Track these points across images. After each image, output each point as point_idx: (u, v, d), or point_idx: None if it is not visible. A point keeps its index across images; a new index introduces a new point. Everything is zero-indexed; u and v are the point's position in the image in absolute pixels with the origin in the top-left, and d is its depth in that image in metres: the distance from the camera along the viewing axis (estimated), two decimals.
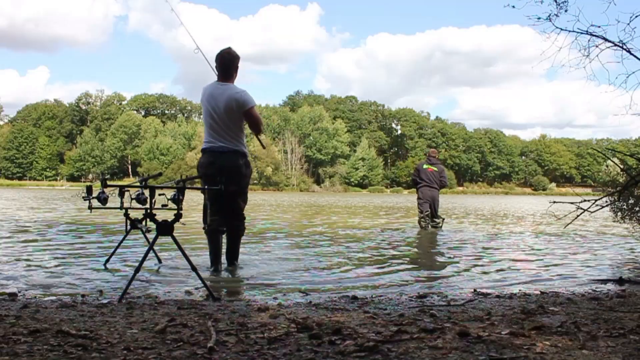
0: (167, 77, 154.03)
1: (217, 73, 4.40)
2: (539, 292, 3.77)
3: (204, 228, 4.34)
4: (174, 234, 3.33)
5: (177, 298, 3.33)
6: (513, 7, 4.49)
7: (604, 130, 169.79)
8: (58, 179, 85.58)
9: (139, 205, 3.55)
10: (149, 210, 3.44)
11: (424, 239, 8.04)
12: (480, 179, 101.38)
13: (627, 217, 6.69)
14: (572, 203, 4.82)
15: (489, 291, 3.79)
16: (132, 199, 3.59)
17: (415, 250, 6.78)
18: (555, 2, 4.41)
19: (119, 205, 3.80)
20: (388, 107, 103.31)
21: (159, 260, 4.77)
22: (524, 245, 7.30)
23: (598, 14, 4.44)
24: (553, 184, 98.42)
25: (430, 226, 9.57)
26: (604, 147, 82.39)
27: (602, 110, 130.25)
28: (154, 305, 2.98)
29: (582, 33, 4.36)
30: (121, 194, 3.69)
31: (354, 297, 3.39)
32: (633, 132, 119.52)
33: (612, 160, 6.44)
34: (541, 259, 5.81)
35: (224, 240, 4.49)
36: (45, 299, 3.22)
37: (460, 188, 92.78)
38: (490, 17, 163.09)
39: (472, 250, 6.49)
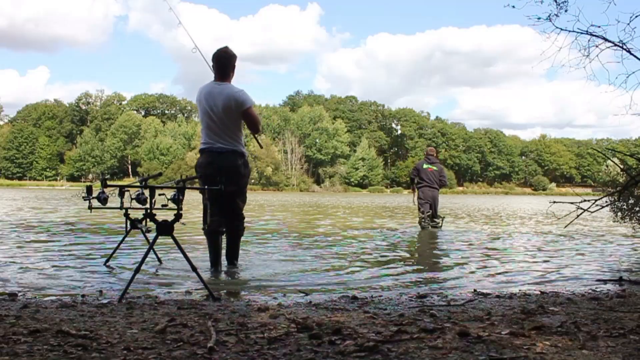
0: (167, 77, 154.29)
1: (213, 72, 4.40)
2: (539, 292, 3.77)
3: (203, 228, 4.34)
4: (174, 234, 3.34)
5: (177, 298, 3.33)
6: (513, 7, 4.49)
7: (604, 130, 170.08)
8: (58, 179, 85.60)
9: (139, 205, 3.54)
10: (149, 210, 3.44)
11: (425, 239, 8.03)
12: (480, 179, 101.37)
13: (627, 217, 6.69)
14: (572, 203, 4.82)
15: (489, 291, 3.79)
16: (132, 199, 3.59)
17: (416, 250, 6.78)
18: (555, 2, 4.42)
19: (119, 205, 3.80)
20: (388, 107, 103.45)
21: (159, 261, 4.77)
22: (524, 245, 7.30)
23: (598, 14, 4.45)
24: (553, 184, 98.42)
25: (430, 226, 9.57)
26: (604, 147, 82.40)
27: (602, 110, 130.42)
28: (154, 305, 2.98)
29: (582, 33, 4.37)
30: (121, 194, 3.69)
31: (354, 297, 3.39)
32: (633, 132, 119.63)
33: (612, 160, 6.44)
34: (541, 259, 5.81)
35: (224, 240, 4.49)
36: (45, 299, 3.22)
37: (460, 188, 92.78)
38: (490, 17, 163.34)
39: (473, 251, 6.48)
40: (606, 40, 4.35)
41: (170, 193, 3.42)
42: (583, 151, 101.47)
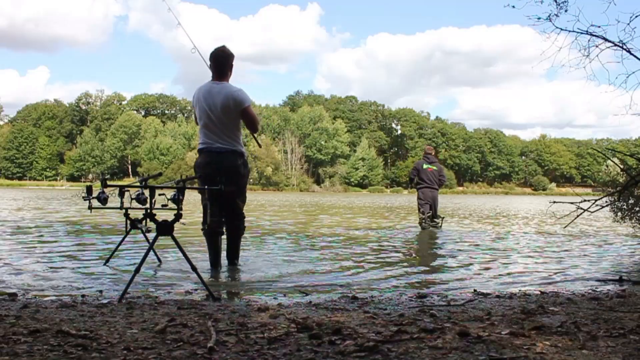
0: (167, 77, 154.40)
1: (211, 72, 4.39)
2: (539, 292, 3.77)
3: (202, 229, 4.34)
4: (174, 234, 3.34)
5: (177, 298, 3.33)
6: (513, 7, 4.50)
7: (604, 130, 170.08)
8: (58, 179, 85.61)
9: (139, 205, 3.54)
10: (149, 210, 3.44)
11: (425, 240, 8.03)
12: (480, 179, 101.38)
13: (627, 217, 6.69)
14: (572, 203, 4.82)
15: (489, 291, 3.79)
16: (132, 199, 3.59)
17: (416, 250, 6.78)
18: (555, 2, 4.42)
19: (119, 205, 3.80)
20: (388, 107, 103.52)
21: (159, 261, 4.77)
22: (524, 245, 7.30)
23: (598, 14, 4.45)
24: (553, 184, 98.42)
25: (430, 226, 9.57)
26: (604, 147, 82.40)
27: (602, 110, 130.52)
28: (154, 305, 2.98)
29: (582, 33, 4.37)
30: (121, 194, 3.69)
31: (354, 297, 3.39)
32: (633, 132, 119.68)
33: (612, 160, 6.44)
34: (543, 260, 5.81)
35: (224, 240, 4.49)
36: (45, 299, 3.22)
37: (460, 188, 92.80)
38: (490, 17, 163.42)
39: (473, 251, 6.48)
40: (606, 40, 4.35)
41: (170, 193, 3.42)
42: (583, 151, 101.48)
